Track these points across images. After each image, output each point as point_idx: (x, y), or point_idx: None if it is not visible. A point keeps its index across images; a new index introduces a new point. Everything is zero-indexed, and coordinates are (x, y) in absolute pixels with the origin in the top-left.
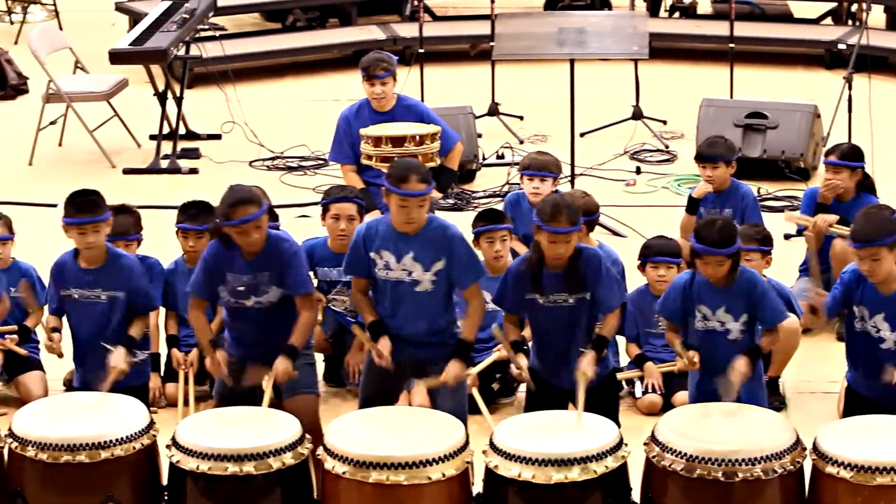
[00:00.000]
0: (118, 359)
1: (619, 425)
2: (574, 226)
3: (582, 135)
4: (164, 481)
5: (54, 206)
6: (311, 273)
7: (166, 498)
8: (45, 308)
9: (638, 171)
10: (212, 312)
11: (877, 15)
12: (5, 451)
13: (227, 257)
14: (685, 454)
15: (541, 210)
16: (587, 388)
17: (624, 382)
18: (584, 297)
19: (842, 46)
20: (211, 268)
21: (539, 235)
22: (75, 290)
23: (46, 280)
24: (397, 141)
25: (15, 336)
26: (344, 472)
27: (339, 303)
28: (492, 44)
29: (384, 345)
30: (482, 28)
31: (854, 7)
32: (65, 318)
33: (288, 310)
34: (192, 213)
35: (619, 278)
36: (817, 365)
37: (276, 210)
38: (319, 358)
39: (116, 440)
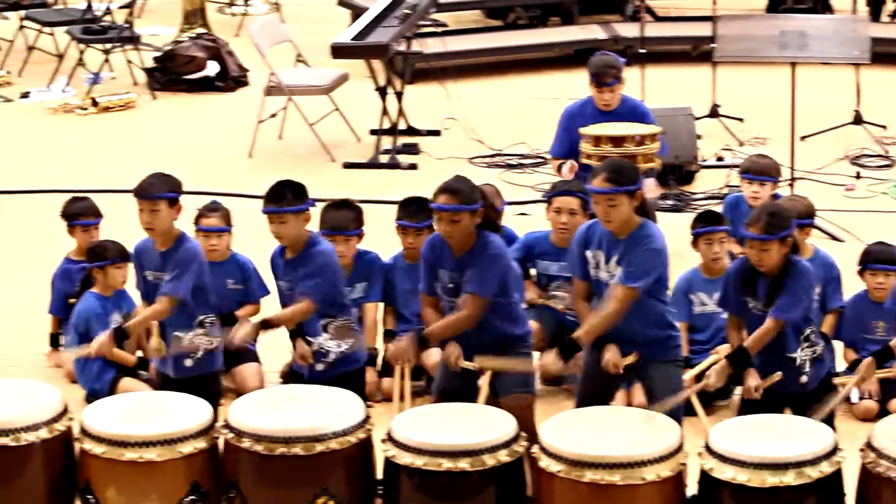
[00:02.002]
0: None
1: (834, 430)
2: (768, 234)
3: (802, 138)
4: (379, 476)
5: None
6: (531, 266)
7: (380, 492)
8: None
9: (858, 176)
10: None
11: None
12: (221, 442)
13: (441, 252)
14: None
15: (749, 215)
16: (804, 393)
17: (840, 387)
18: None
19: None
20: (427, 262)
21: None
22: (280, 281)
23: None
24: (617, 141)
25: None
26: (559, 471)
27: (558, 299)
28: (713, 45)
29: (610, 351)
30: (703, 29)
31: None
32: None
33: (499, 316)
34: (412, 210)
35: (837, 283)
36: None
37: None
38: (537, 356)
39: (332, 433)
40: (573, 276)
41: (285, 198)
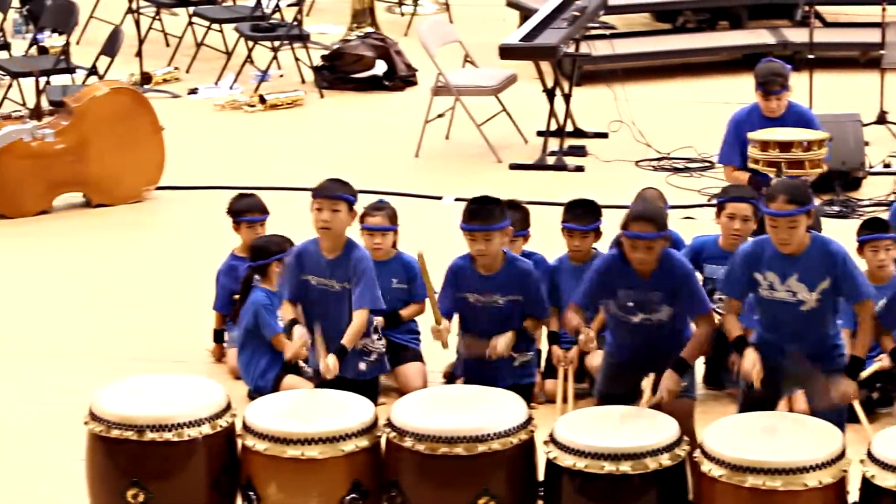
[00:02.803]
0: (503, 344)
1: None
2: None
3: None
4: (540, 477)
5: (439, 198)
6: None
7: (541, 494)
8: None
9: None
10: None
11: None
12: (383, 441)
13: (621, 272)
14: None
15: None
16: None
17: None
18: None
19: None
20: (602, 281)
21: None
22: (470, 294)
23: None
24: (785, 146)
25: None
26: (720, 476)
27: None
28: (882, 52)
29: (749, 357)
30: (872, 35)
31: None
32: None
33: (675, 327)
34: (578, 213)
35: None
36: None
37: None
38: (700, 360)
39: (495, 434)
40: (728, 294)
41: (495, 216)
